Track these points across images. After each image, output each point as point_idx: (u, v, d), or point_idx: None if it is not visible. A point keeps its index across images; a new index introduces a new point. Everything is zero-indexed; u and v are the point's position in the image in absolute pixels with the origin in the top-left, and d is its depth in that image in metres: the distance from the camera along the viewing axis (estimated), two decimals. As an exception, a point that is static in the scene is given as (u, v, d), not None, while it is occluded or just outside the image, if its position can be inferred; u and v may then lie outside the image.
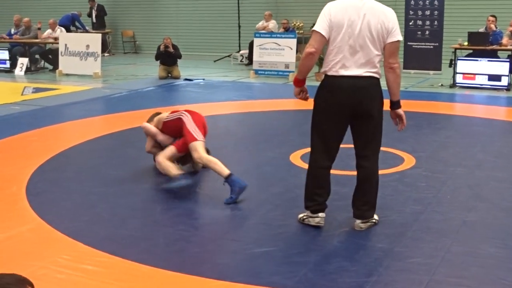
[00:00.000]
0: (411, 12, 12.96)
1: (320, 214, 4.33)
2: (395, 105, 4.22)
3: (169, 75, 13.04)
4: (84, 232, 4.37)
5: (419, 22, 12.94)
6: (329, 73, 4.07)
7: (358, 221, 4.31)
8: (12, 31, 15.75)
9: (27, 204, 4.99)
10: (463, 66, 11.32)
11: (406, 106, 8.95)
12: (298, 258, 3.90)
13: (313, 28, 4.07)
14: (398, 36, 4.05)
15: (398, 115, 4.26)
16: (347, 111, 4.09)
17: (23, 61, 14.56)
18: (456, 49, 11.76)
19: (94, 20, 18.87)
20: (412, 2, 12.96)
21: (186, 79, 12.78)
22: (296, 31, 14.87)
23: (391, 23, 4.02)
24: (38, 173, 5.85)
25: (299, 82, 4.29)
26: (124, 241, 4.20)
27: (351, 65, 4.00)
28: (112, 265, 3.80)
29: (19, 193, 5.27)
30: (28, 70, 14.49)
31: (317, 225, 4.32)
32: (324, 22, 4.01)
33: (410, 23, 12.94)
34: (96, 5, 18.83)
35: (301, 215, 4.44)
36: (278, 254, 3.98)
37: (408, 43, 12.95)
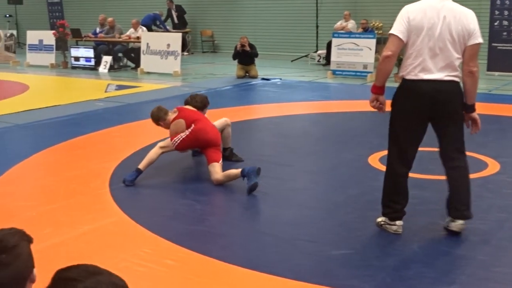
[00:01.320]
0: (497, 12, 12.49)
1: (398, 222, 4.22)
2: (470, 108, 4.11)
3: (247, 74, 13.14)
4: (164, 227, 4.47)
5: (505, 23, 12.45)
6: (408, 77, 3.97)
7: (459, 221, 4.13)
8: (97, 30, 16.33)
9: (110, 197, 5.15)
10: (551, 68, 10.81)
11: (490, 109, 8.70)
12: (376, 262, 3.83)
13: (390, 32, 3.97)
14: (479, 38, 3.93)
15: (473, 118, 4.15)
16: (426, 116, 3.99)
17: (107, 59, 15.07)
18: (544, 50, 11.26)
19: (176, 20, 19.26)
20: (498, 2, 12.48)
21: (263, 79, 12.85)
22: (375, 31, 14.65)
23: (471, 24, 3.90)
24: (121, 167, 6.03)
25: (377, 89, 4.15)
26: (203, 237, 4.27)
27: (431, 68, 3.89)
28: (191, 261, 3.87)
29: (103, 186, 5.45)
30: (111, 68, 14.99)
31: (395, 233, 4.23)
32: (402, 25, 3.92)
33: (495, 24, 12.47)
34: (174, 6, 19.20)
35: (379, 220, 4.36)
36: (356, 257, 3.93)
37: (493, 44, 12.50)
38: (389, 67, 4.02)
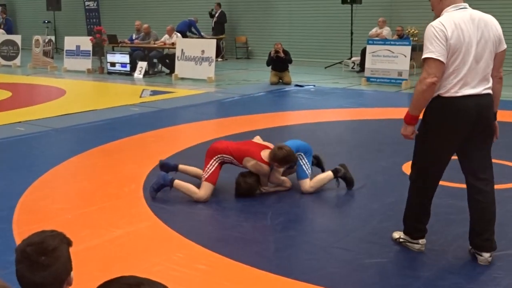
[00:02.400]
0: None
1: (421, 241, 4.08)
2: (495, 116, 3.93)
3: (280, 80, 13.15)
4: (198, 232, 4.49)
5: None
6: (448, 94, 3.70)
7: (486, 255, 3.88)
8: (134, 36, 16.54)
9: (144, 202, 5.20)
10: None
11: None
12: (411, 272, 3.80)
13: (429, 56, 3.63)
14: (504, 43, 3.81)
15: (495, 126, 3.96)
16: (467, 134, 3.77)
17: (142, 65, 15.24)
18: None
19: (213, 24, 19.43)
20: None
21: (297, 85, 12.84)
22: (411, 38, 14.51)
23: (499, 30, 3.77)
24: (155, 172, 6.05)
25: (414, 120, 3.81)
26: (236, 243, 4.28)
27: (471, 83, 3.69)
28: (224, 266, 3.88)
29: (137, 190, 5.51)
30: (146, 74, 15.15)
31: (418, 251, 4.09)
32: (440, 46, 3.63)
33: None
34: (219, 11, 19.33)
35: (397, 236, 4.22)
36: (390, 266, 3.90)
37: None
38: (432, 94, 3.72)
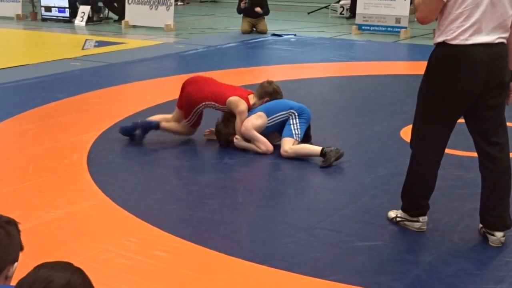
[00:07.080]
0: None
1: (422, 218, 4.15)
2: (511, 76, 3.93)
3: (254, 29, 13.10)
4: (155, 212, 4.50)
5: None
6: (455, 42, 3.72)
7: (499, 234, 3.95)
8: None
9: (88, 176, 5.18)
10: None
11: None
12: (409, 256, 3.86)
13: None
14: None
15: (510, 88, 3.97)
16: (478, 89, 3.78)
17: (84, 10, 15.02)
18: None
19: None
20: None
21: (274, 35, 12.82)
22: (411, -22, 14.54)
23: None
24: (101, 140, 6.06)
25: None
26: (200, 225, 4.29)
27: (483, 30, 3.70)
28: (187, 252, 3.90)
29: (80, 163, 5.48)
30: (90, 20, 14.96)
31: (419, 231, 4.16)
32: None
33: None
34: None
35: (393, 215, 4.29)
36: (385, 250, 3.95)
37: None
38: None
